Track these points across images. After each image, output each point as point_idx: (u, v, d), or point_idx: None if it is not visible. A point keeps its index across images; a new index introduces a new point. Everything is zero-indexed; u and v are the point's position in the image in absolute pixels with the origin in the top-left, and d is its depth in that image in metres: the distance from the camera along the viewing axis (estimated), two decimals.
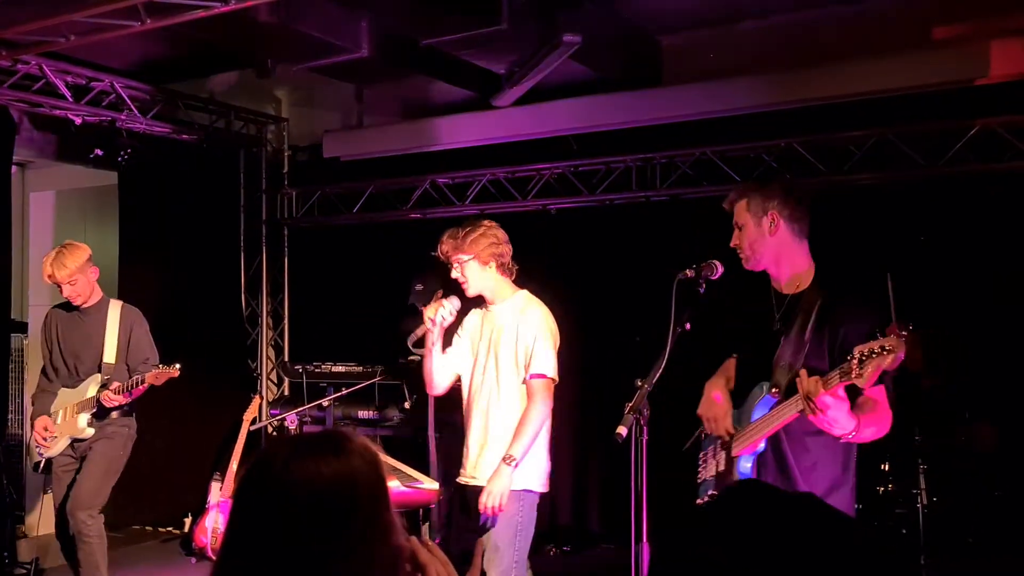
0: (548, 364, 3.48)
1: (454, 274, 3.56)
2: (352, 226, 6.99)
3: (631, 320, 5.59)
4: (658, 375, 2.82)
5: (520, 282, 3.70)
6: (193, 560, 5.88)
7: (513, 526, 3.42)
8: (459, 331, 3.69)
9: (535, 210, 6.24)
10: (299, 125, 7.28)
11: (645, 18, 5.73)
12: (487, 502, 3.35)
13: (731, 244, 2.91)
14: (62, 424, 4.58)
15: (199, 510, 6.07)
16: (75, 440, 4.58)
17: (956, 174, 5.05)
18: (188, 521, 6.26)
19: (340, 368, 6.17)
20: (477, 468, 3.52)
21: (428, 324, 3.55)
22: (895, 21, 5.28)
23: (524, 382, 3.48)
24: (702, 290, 2.96)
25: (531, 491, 3.48)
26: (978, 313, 4.78)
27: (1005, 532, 4.40)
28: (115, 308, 4.63)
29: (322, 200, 7.13)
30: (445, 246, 3.55)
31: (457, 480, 3.65)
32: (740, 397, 2.91)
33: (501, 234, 3.56)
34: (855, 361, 2.39)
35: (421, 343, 3.67)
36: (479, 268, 3.52)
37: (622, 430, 2.75)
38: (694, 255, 3.09)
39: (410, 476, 5.07)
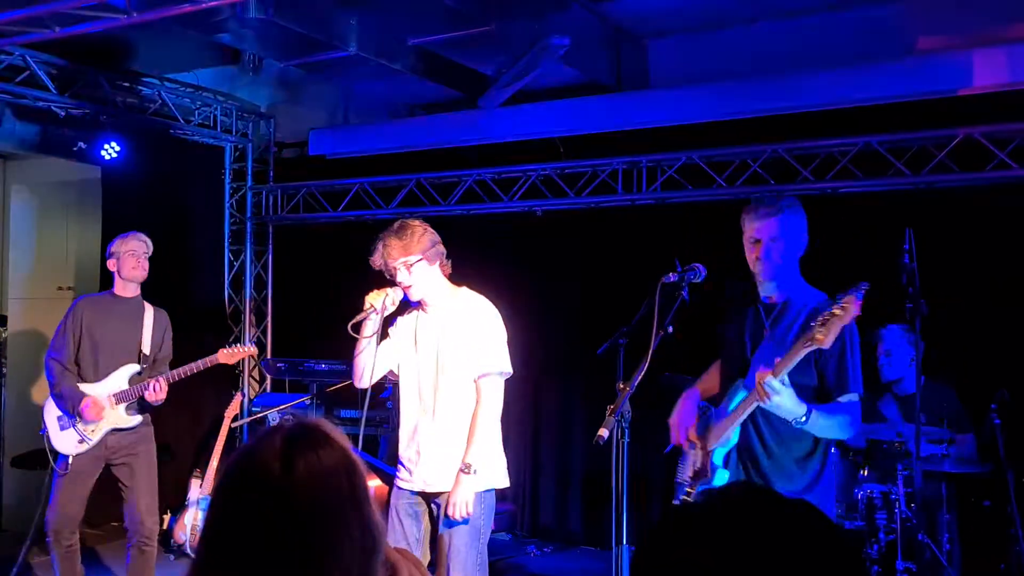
0: (500, 360, 3.40)
1: (400, 277, 3.37)
2: (337, 224, 6.97)
3: (615, 322, 5.60)
4: (640, 378, 2.84)
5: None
6: (171, 557, 5.85)
7: (476, 528, 3.36)
8: (391, 330, 3.53)
9: (521, 211, 6.25)
10: (285, 122, 7.26)
11: (633, 22, 5.75)
12: (454, 514, 3.28)
13: (757, 255, 3.01)
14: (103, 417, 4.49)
15: (179, 507, 6.04)
16: (115, 430, 4.49)
17: (940, 182, 5.09)
18: (167, 518, 6.22)
19: (323, 366, 6.16)
20: (442, 476, 3.38)
21: (369, 310, 3.39)
22: (881, 30, 5.33)
23: (475, 381, 3.38)
24: (686, 293, 2.99)
25: (491, 490, 3.44)
26: (960, 320, 4.82)
27: (978, 540, 4.44)
28: (149, 307, 4.70)
29: (307, 197, 7.11)
30: (392, 250, 3.34)
31: (408, 487, 3.45)
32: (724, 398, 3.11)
33: (435, 232, 3.46)
34: (818, 325, 2.67)
35: (358, 328, 3.45)
36: (427, 268, 3.38)
37: (603, 432, 2.76)
38: (679, 258, 3.12)
39: (385, 473, 5.07)
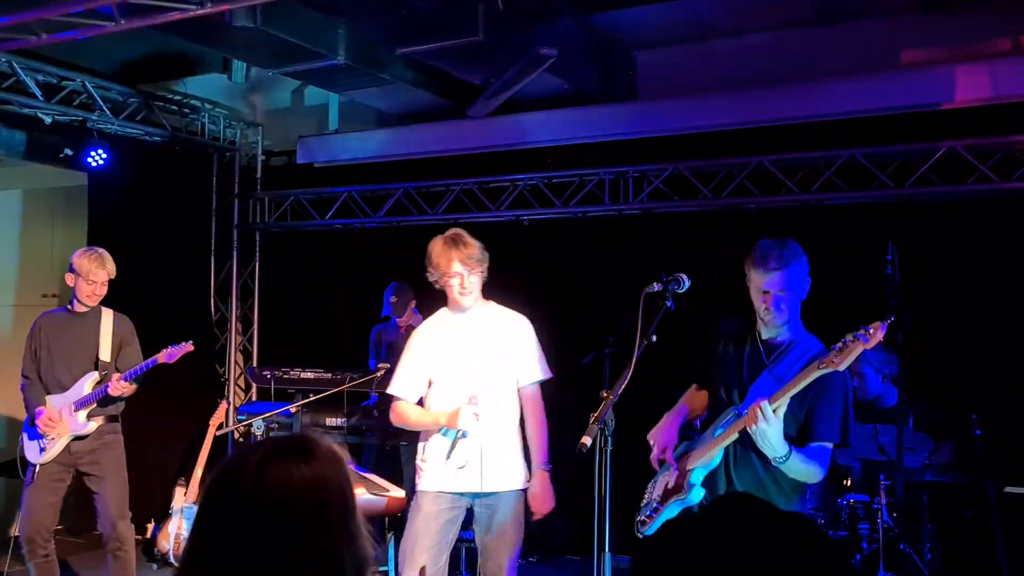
0: (543, 369, 3.74)
1: (469, 282, 3.55)
2: (324, 232, 6.97)
3: (600, 331, 5.61)
4: (623, 386, 2.85)
5: (490, 292, 3.73)
6: (155, 566, 5.82)
7: (522, 523, 3.66)
8: (413, 348, 3.70)
9: (508, 221, 6.26)
10: (273, 130, 7.26)
11: (621, 33, 5.79)
12: (543, 510, 3.63)
13: (767, 306, 3.01)
14: (57, 426, 4.51)
15: (163, 515, 6.01)
16: (75, 438, 4.51)
17: (923, 195, 5.14)
18: (151, 526, 6.19)
19: (309, 374, 6.14)
20: (495, 477, 3.57)
21: (461, 429, 3.50)
22: (866, 44, 5.38)
23: (520, 388, 3.66)
24: (670, 303, 3.02)
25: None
26: (942, 331, 4.86)
27: (960, 550, 4.47)
28: (107, 314, 4.69)
29: (295, 206, 7.10)
30: (474, 254, 3.54)
31: (452, 490, 3.58)
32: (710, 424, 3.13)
33: None
34: (837, 351, 2.73)
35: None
36: (480, 281, 3.62)
37: (586, 440, 2.77)
38: (664, 268, 3.14)
39: (377, 484, 5.05)
